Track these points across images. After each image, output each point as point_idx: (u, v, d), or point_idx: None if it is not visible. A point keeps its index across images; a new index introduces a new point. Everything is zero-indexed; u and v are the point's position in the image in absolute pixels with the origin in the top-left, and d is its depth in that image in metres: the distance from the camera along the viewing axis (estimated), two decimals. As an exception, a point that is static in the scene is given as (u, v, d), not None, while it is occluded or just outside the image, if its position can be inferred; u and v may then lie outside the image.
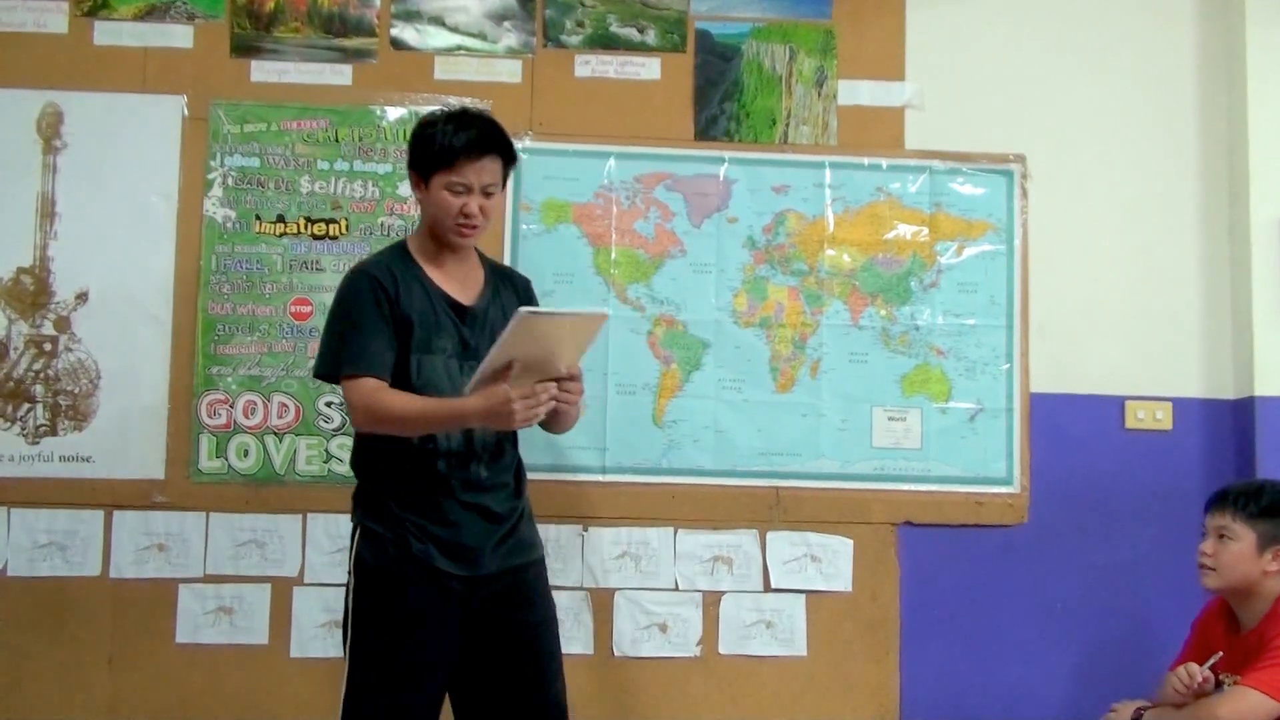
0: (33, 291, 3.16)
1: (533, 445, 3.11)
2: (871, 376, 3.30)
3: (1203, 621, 2.78)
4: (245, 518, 3.14)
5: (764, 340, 3.29)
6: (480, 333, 2.52)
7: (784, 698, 3.21)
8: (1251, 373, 3.30)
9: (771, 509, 3.25)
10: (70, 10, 3.23)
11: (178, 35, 3.25)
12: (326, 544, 3.11)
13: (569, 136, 3.30)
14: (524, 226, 3.26)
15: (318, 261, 3.20)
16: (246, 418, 3.16)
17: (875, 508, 3.27)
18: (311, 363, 2.74)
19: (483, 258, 2.66)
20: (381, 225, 3.22)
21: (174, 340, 3.17)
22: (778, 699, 3.21)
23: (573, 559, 3.19)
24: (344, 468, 2.59)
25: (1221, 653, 2.60)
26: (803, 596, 3.24)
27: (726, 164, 3.33)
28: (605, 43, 3.34)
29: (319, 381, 2.78)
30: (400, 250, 2.58)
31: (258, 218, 3.21)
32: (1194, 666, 2.56)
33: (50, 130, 3.20)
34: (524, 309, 2.28)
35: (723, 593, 3.22)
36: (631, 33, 3.35)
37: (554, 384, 2.36)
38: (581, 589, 3.19)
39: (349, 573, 2.49)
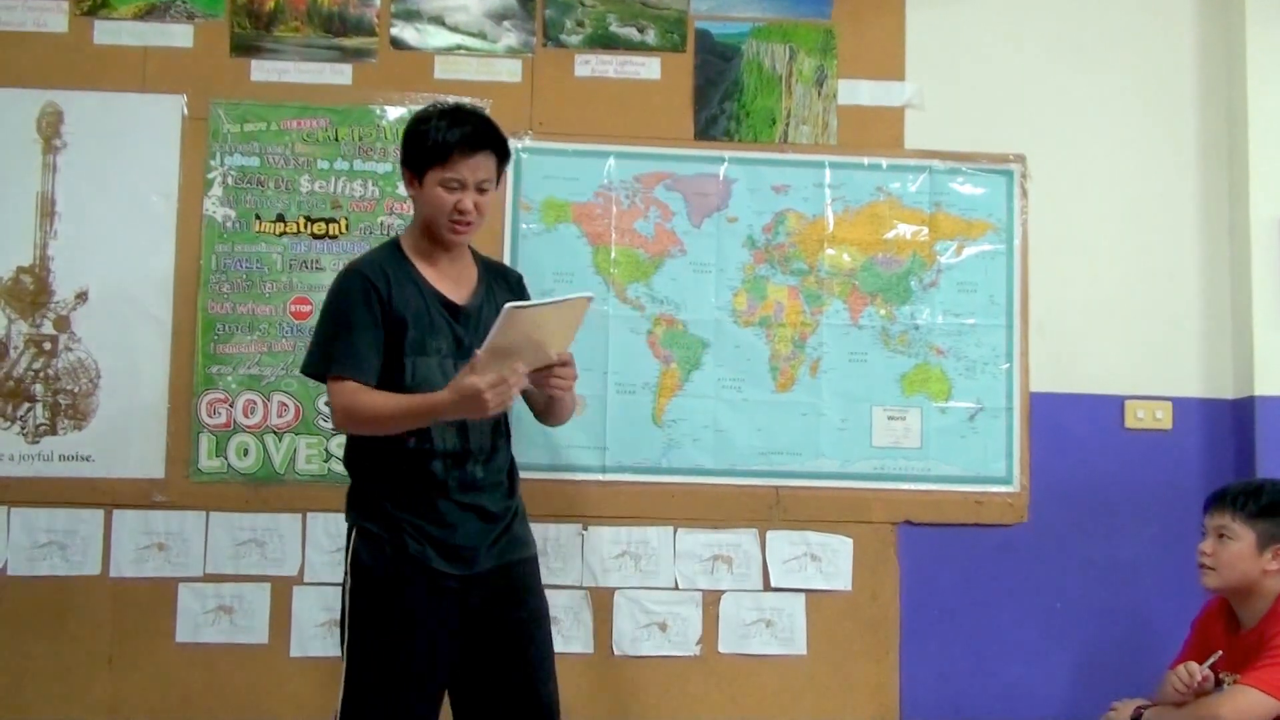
0: (32, 291, 3.16)
1: (532, 444, 3.13)
2: (871, 376, 3.30)
3: (1203, 620, 2.78)
4: (245, 517, 3.14)
5: (764, 340, 3.29)
6: (474, 332, 2.52)
7: (784, 697, 3.21)
8: (1251, 372, 3.30)
9: (771, 508, 3.25)
10: (70, 9, 3.23)
11: (177, 35, 3.25)
12: (326, 543, 3.11)
13: (569, 136, 3.30)
14: (524, 226, 3.26)
15: (318, 261, 3.20)
16: (246, 417, 3.16)
17: (875, 507, 3.27)
18: (308, 359, 2.74)
19: (476, 255, 2.66)
20: (381, 225, 3.22)
21: (174, 339, 3.17)
22: (777, 698, 3.21)
23: (572, 558, 3.19)
24: (344, 467, 2.60)
25: (1221, 652, 2.60)
26: (802, 596, 3.24)
27: (726, 164, 3.33)
28: (605, 42, 3.34)
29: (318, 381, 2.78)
30: (393, 248, 2.57)
31: (257, 217, 3.22)
32: (1194, 665, 2.56)
33: (50, 130, 3.20)
34: (510, 304, 2.29)
35: (722, 592, 3.22)
36: (631, 32, 3.35)
37: (524, 366, 2.33)
38: (581, 588, 3.19)
39: (345, 573, 2.49)
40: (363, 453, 2.52)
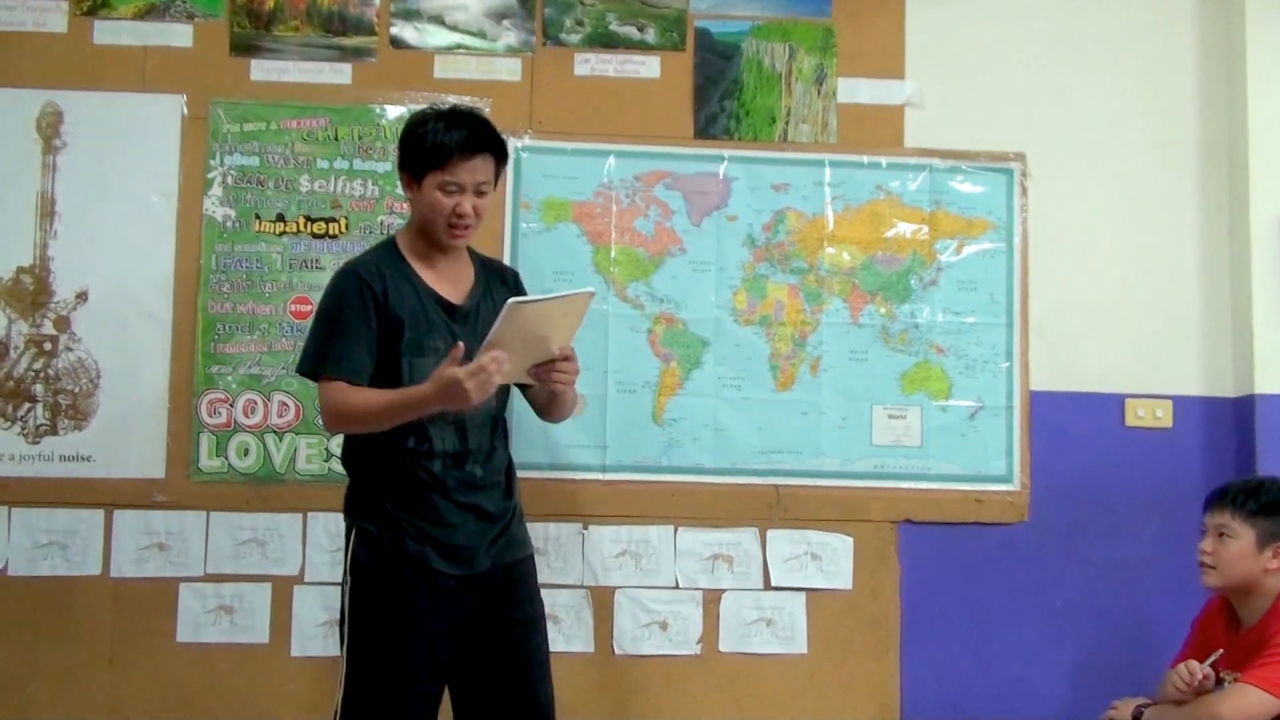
0: (33, 291, 3.16)
1: (532, 443, 3.13)
2: (871, 374, 3.30)
3: (1203, 619, 2.78)
4: (245, 517, 3.14)
5: (764, 338, 3.29)
6: (472, 331, 2.52)
7: (784, 695, 3.21)
8: (1251, 370, 3.30)
9: (771, 507, 3.25)
10: (69, 9, 3.23)
11: (177, 34, 3.25)
12: (327, 543, 3.11)
13: (568, 135, 3.30)
14: (524, 225, 3.26)
15: (317, 260, 3.20)
16: (246, 417, 3.16)
17: (875, 506, 3.27)
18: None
19: (473, 254, 2.66)
20: (381, 224, 3.22)
21: (174, 339, 3.17)
22: (778, 697, 3.21)
23: (573, 557, 3.19)
24: (342, 467, 2.60)
25: (1222, 650, 2.60)
26: (803, 594, 3.24)
27: (726, 162, 3.33)
28: (605, 41, 3.34)
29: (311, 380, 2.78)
30: (390, 248, 2.57)
31: (257, 216, 3.21)
32: (1194, 664, 2.56)
33: (50, 129, 3.19)
34: (512, 299, 2.29)
35: (723, 591, 3.22)
36: (631, 31, 3.35)
37: (496, 357, 2.31)
38: (582, 587, 3.19)
39: (344, 573, 2.49)
40: (361, 453, 2.52)
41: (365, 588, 2.46)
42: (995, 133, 3.38)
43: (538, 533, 3.07)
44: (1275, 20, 3.37)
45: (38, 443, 3.13)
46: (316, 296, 3.12)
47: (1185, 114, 3.44)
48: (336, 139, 3.24)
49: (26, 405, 3.14)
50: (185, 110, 3.22)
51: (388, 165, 3.22)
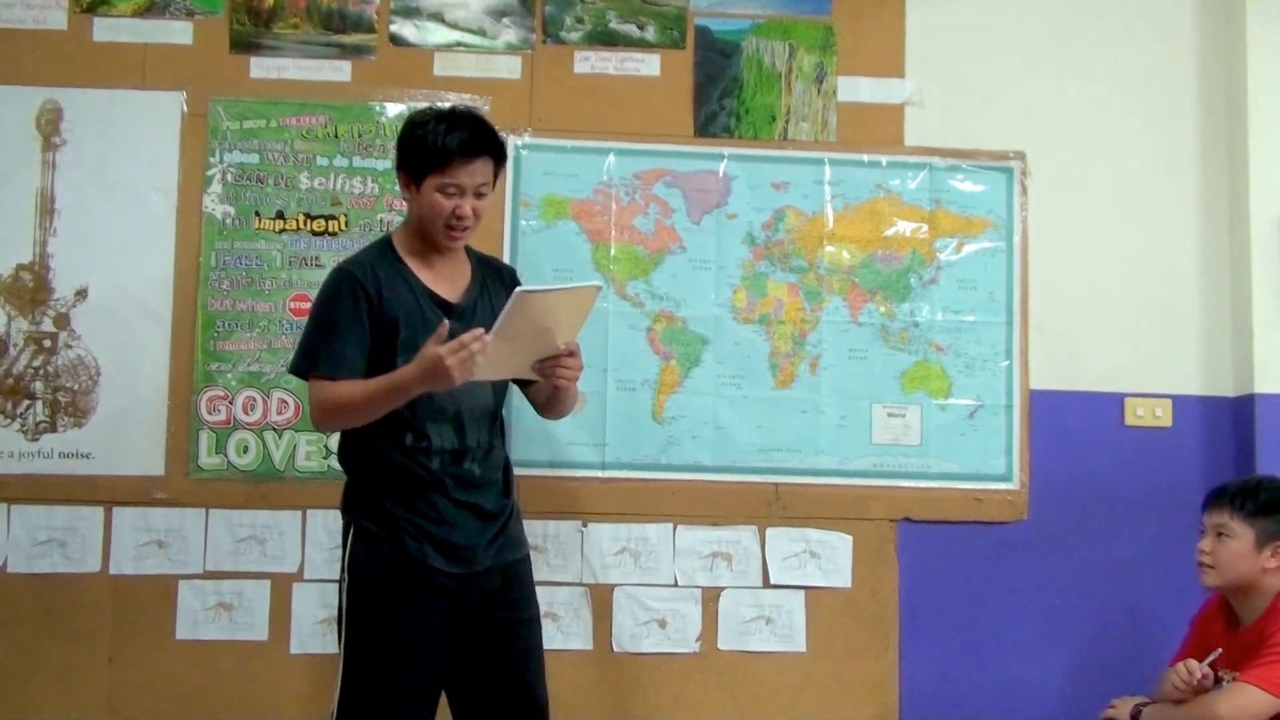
0: (32, 288, 3.16)
1: (532, 441, 3.13)
2: (871, 373, 3.30)
3: (1202, 618, 2.79)
4: (245, 514, 3.14)
5: (763, 336, 3.29)
6: (468, 329, 2.51)
7: (783, 694, 3.22)
8: (1251, 370, 3.30)
9: (771, 505, 3.25)
10: (69, 7, 3.22)
11: (177, 31, 3.25)
12: (326, 540, 3.11)
13: (568, 133, 3.30)
14: (523, 222, 3.26)
15: (317, 258, 3.20)
16: (246, 414, 3.16)
17: (874, 504, 3.27)
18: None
19: (470, 251, 2.65)
20: (381, 221, 3.22)
21: (173, 336, 3.17)
22: (777, 695, 3.21)
23: (572, 555, 3.19)
24: (339, 465, 2.60)
25: (1221, 649, 2.60)
26: (802, 592, 3.24)
27: (726, 160, 3.33)
28: (605, 39, 3.34)
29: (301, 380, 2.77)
30: (385, 247, 2.56)
31: (257, 214, 3.21)
32: (1193, 663, 2.56)
33: (49, 127, 3.20)
34: (520, 288, 2.27)
35: (722, 589, 3.23)
36: (631, 29, 3.35)
37: (478, 335, 2.29)
38: (581, 585, 3.19)
39: (342, 571, 2.49)
40: (359, 450, 2.52)
41: (364, 586, 2.46)
42: (995, 131, 3.38)
43: (537, 530, 3.08)
44: (1275, 21, 3.37)
45: (37, 440, 3.13)
46: (316, 294, 3.14)
47: (1185, 113, 3.44)
48: (336, 136, 3.24)
49: (26, 402, 3.14)
50: (185, 107, 3.22)
51: (387, 163, 3.22)
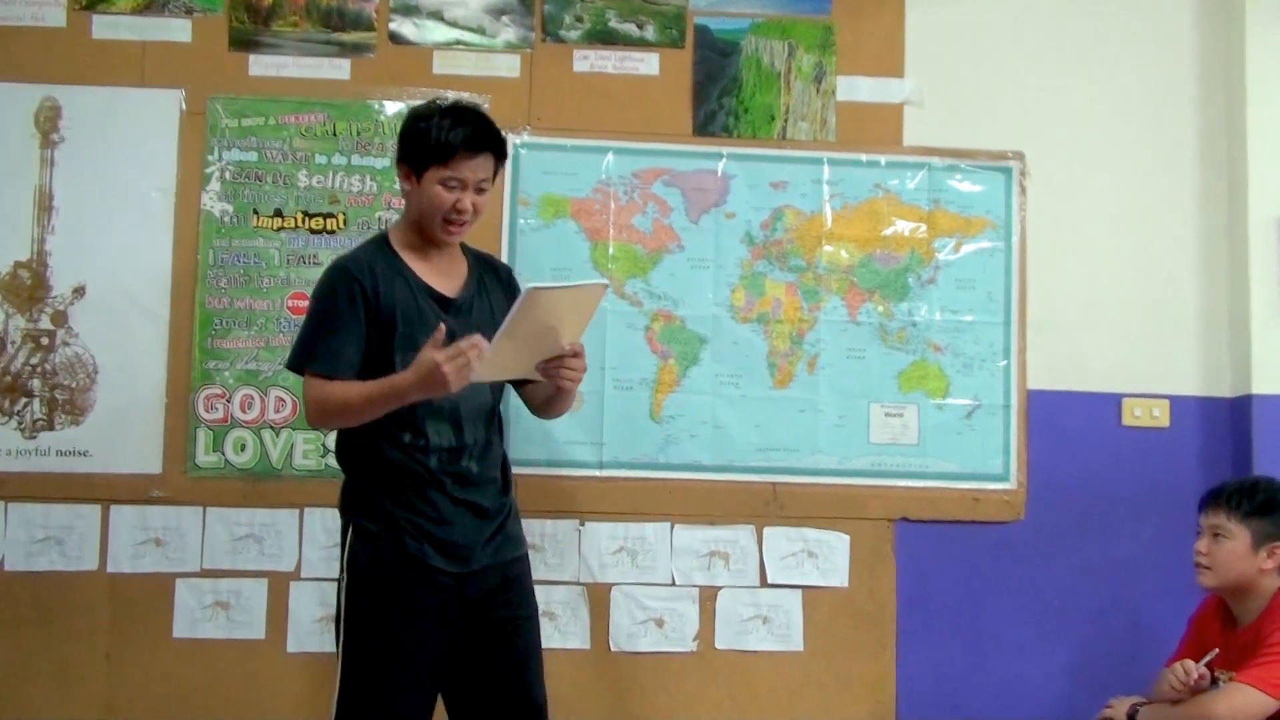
0: (30, 286, 3.16)
1: (530, 440, 3.13)
2: (869, 372, 3.30)
3: (1199, 618, 2.79)
4: (242, 512, 3.14)
5: (761, 336, 3.29)
6: (466, 325, 2.52)
7: (780, 693, 3.22)
8: (1249, 371, 3.30)
9: (768, 504, 3.25)
10: (68, 4, 3.22)
11: (176, 29, 3.24)
12: (323, 538, 3.11)
13: (567, 131, 3.30)
14: (522, 221, 3.26)
15: (315, 256, 3.20)
16: (243, 412, 3.16)
17: (872, 504, 3.27)
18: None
19: (465, 248, 2.65)
20: (379, 219, 3.22)
21: (171, 335, 3.17)
22: (774, 694, 3.21)
23: (569, 554, 3.19)
24: (337, 464, 2.60)
25: (1217, 649, 2.60)
26: (799, 592, 3.24)
27: (725, 159, 3.33)
28: (604, 38, 3.34)
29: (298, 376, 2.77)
30: (381, 243, 2.57)
31: (255, 212, 3.21)
32: (1190, 663, 2.57)
33: (48, 124, 3.19)
34: (530, 285, 2.27)
35: (719, 588, 3.23)
36: (630, 28, 3.35)
37: (481, 337, 2.29)
38: (578, 584, 3.19)
39: (341, 571, 2.49)
40: (356, 448, 2.52)
41: (363, 585, 2.46)
42: (994, 131, 3.38)
43: (534, 529, 3.08)
44: (1274, 21, 3.37)
45: (34, 438, 3.13)
46: (313, 290, 3.14)
47: (1184, 113, 3.44)
48: (335, 134, 3.24)
49: (23, 400, 3.14)
50: (184, 105, 3.22)
51: (386, 161, 3.22)
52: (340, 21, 3.28)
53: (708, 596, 3.23)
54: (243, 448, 3.16)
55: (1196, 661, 2.56)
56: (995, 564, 3.28)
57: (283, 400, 3.17)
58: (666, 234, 3.30)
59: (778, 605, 3.23)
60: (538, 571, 2.72)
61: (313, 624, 3.12)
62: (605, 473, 3.22)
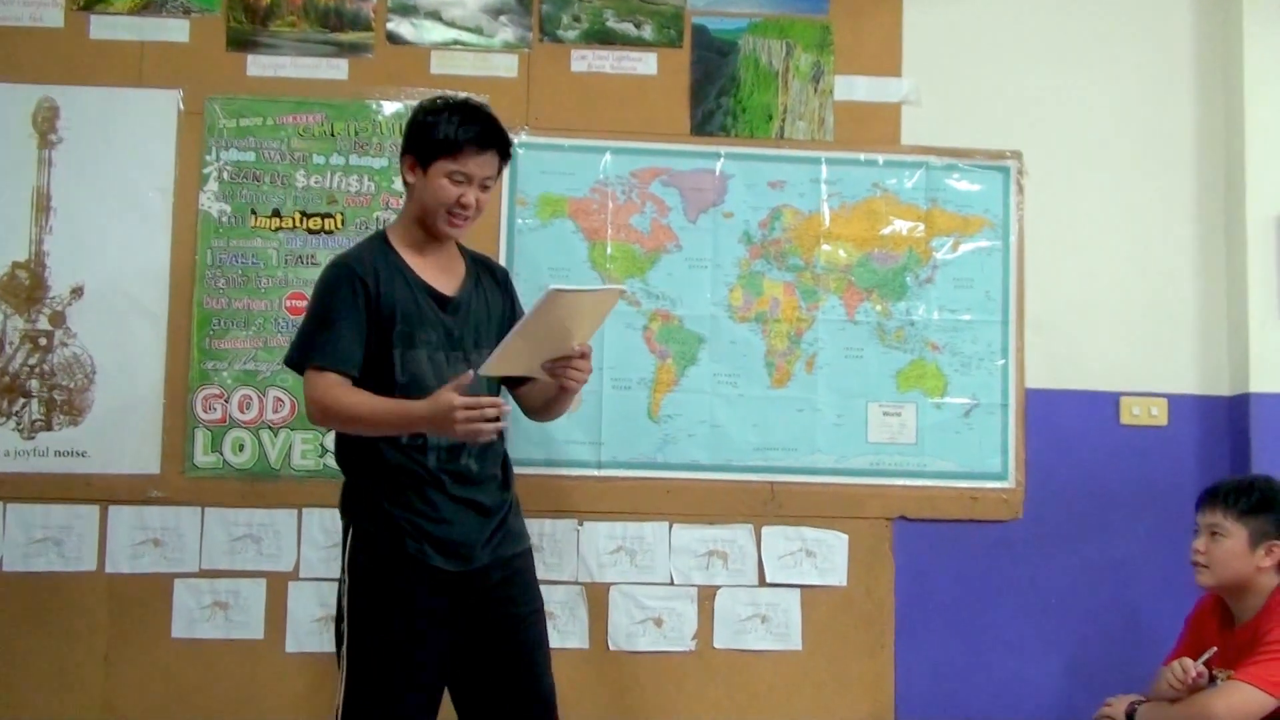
0: (28, 286, 3.16)
1: (528, 439, 3.13)
2: (867, 372, 3.30)
3: (1196, 617, 2.79)
4: (241, 512, 3.14)
5: (759, 335, 3.29)
6: (464, 323, 2.52)
7: (779, 692, 3.22)
8: (1247, 369, 3.30)
9: (766, 504, 3.25)
10: (66, 4, 3.22)
11: (174, 29, 3.24)
12: (322, 539, 3.11)
13: (565, 131, 3.30)
14: (520, 221, 3.26)
15: (313, 256, 3.20)
16: (242, 412, 3.16)
17: (870, 503, 3.27)
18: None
19: (461, 248, 2.66)
20: (377, 219, 3.22)
21: (169, 335, 3.17)
22: (773, 693, 3.21)
23: (568, 553, 3.19)
24: (336, 464, 2.60)
25: (1216, 648, 2.60)
26: (798, 591, 3.24)
27: (722, 159, 3.33)
28: (602, 38, 3.34)
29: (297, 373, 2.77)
30: (381, 241, 2.57)
31: (253, 212, 3.21)
32: (1188, 661, 2.57)
33: (46, 124, 3.19)
34: (553, 285, 2.28)
35: (718, 587, 3.23)
36: (628, 28, 3.35)
37: (498, 404, 2.33)
38: (577, 583, 3.19)
39: (343, 573, 2.49)
40: (355, 449, 2.51)
41: (364, 587, 2.45)
42: (992, 131, 3.38)
43: (533, 529, 3.05)
44: (1272, 20, 3.37)
45: (33, 438, 3.13)
46: (313, 287, 3.14)
47: (1182, 113, 3.44)
48: (333, 134, 3.24)
49: (21, 401, 3.14)
50: (181, 105, 3.22)
51: (384, 161, 3.22)
52: (338, 21, 3.28)
53: (706, 596, 3.23)
54: (241, 448, 3.16)
55: (1194, 660, 2.56)
56: (993, 563, 3.29)
57: (281, 400, 3.17)
58: (664, 234, 3.30)
59: (776, 604, 3.23)
60: (536, 571, 2.71)
61: (311, 624, 3.12)
62: (603, 472, 3.23)
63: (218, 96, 3.23)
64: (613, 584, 3.21)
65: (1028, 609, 3.29)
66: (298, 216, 3.22)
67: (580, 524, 3.21)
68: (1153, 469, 3.33)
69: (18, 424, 3.13)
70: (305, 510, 3.14)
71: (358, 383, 2.44)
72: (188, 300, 3.17)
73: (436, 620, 2.46)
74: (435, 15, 3.31)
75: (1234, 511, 2.62)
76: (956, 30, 3.41)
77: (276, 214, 3.21)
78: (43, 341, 3.15)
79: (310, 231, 3.21)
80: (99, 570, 3.11)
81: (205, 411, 3.15)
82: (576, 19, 3.34)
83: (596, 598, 3.20)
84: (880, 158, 3.35)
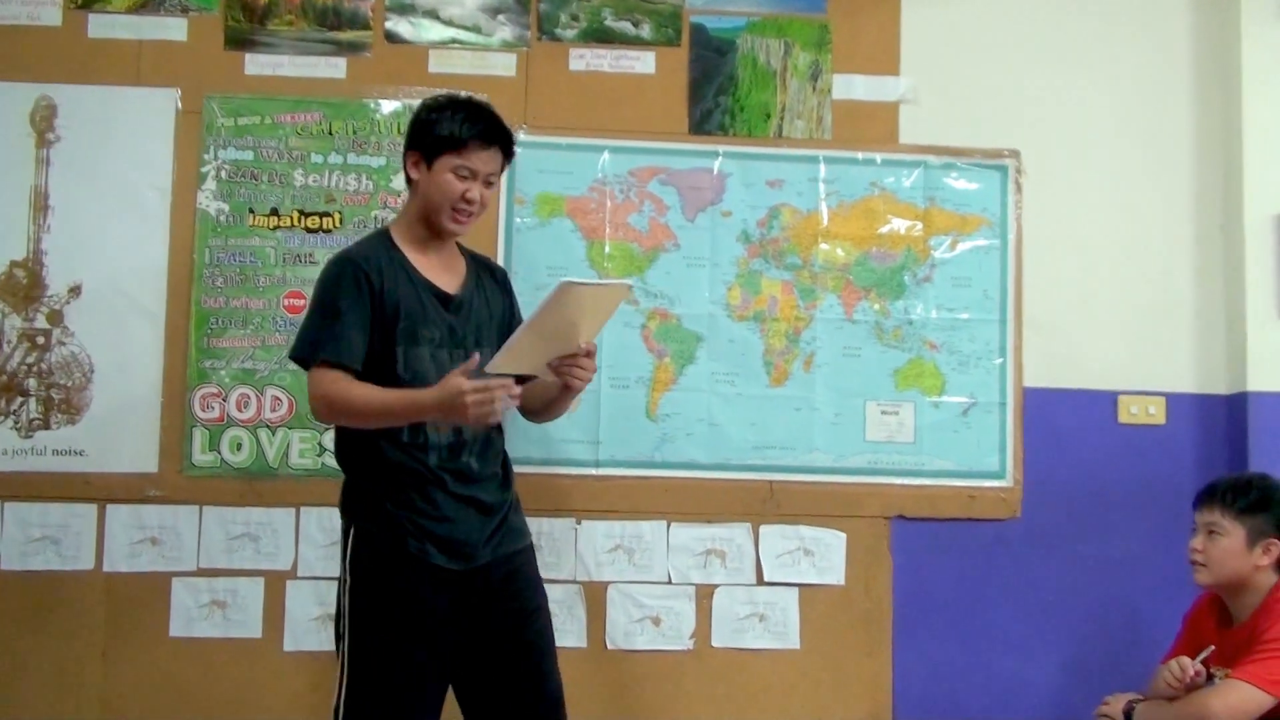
0: (26, 285, 3.16)
1: (526, 438, 3.13)
2: (865, 370, 3.30)
3: (1194, 615, 2.79)
4: (239, 511, 3.14)
5: (757, 334, 3.29)
6: (467, 322, 2.52)
7: (777, 691, 3.22)
8: (1245, 368, 3.30)
9: (764, 502, 3.25)
10: (64, 3, 3.22)
11: (172, 28, 3.24)
12: (320, 537, 3.11)
13: (563, 130, 3.30)
14: (518, 220, 3.26)
15: (311, 255, 3.20)
16: (240, 411, 3.16)
17: (868, 501, 3.27)
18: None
19: (461, 248, 2.67)
20: (375, 218, 3.22)
21: (167, 334, 3.16)
22: (770, 692, 3.21)
23: (566, 552, 3.19)
24: (336, 463, 2.60)
25: (1213, 646, 2.60)
26: (795, 590, 3.24)
27: (721, 158, 3.33)
28: (600, 36, 3.34)
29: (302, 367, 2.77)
30: (384, 238, 2.57)
31: (251, 211, 3.21)
32: (1186, 660, 2.57)
33: (44, 123, 3.19)
34: (565, 279, 2.28)
35: (715, 586, 3.23)
36: (626, 26, 3.35)
37: (508, 385, 2.31)
38: (574, 582, 3.19)
39: (344, 572, 2.48)
40: (356, 447, 2.51)
41: (365, 587, 2.45)
42: (990, 129, 3.38)
43: (530, 528, 3.04)
44: (1270, 19, 3.37)
45: (30, 437, 3.13)
46: (310, 291, 3.12)
47: (1180, 111, 3.44)
48: (331, 133, 3.24)
49: (19, 399, 3.14)
50: (179, 104, 3.22)
51: (382, 160, 3.22)
52: (336, 20, 3.28)
53: (704, 594, 3.23)
54: (239, 447, 3.16)
55: (1192, 658, 2.57)
56: (991, 561, 3.29)
57: (279, 399, 3.17)
58: (662, 232, 3.30)
59: (774, 603, 3.23)
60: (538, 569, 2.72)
61: (309, 623, 3.11)
62: (601, 471, 3.23)
63: (216, 95, 3.23)
64: (610, 583, 3.21)
65: (1026, 608, 3.29)
66: (296, 215, 3.22)
67: (578, 523, 3.21)
68: (1151, 468, 3.33)
69: (16, 423, 3.13)
70: (303, 509, 3.14)
71: (360, 378, 2.44)
72: (186, 299, 3.17)
73: (438, 620, 2.45)
74: (433, 14, 3.31)
75: (1232, 510, 2.62)
76: (955, 29, 3.41)
77: (274, 213, 3.21)
78: (40, 340, 3.15)
79: (308, 230, 3.21)
80: (97, 569, 3.11)
81: (203, 410, 3.15)
82: (574, 18, 3.34)
83: (594, 596, 3.20)
84: (878, 157, 3.35)
